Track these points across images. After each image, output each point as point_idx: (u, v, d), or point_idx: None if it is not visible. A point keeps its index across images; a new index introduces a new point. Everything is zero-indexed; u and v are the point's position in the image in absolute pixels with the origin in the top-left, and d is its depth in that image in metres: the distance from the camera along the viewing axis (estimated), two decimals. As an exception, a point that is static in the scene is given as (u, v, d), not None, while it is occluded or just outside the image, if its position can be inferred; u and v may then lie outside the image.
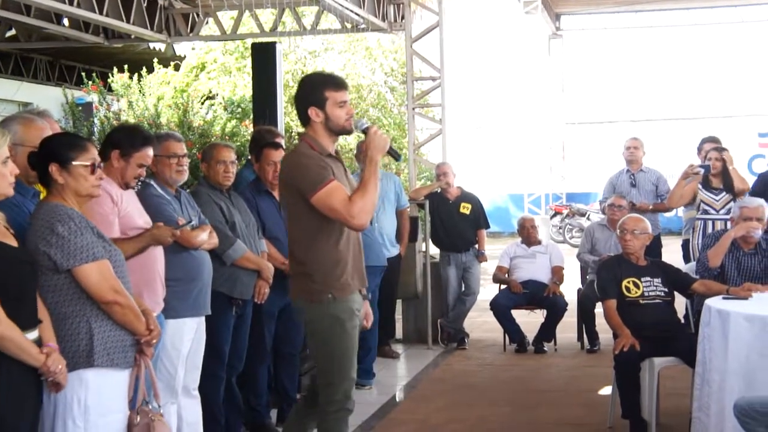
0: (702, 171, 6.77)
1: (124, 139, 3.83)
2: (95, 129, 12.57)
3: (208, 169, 4.79)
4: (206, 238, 4.26)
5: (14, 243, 2.89)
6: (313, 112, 3.67)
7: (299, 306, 3.77)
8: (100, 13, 9.58)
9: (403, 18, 11.20)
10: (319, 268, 3.64)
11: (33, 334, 2.89)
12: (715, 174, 6.72)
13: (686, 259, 7.02)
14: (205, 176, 4.84)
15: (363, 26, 11.28)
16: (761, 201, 5.42)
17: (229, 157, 4.78)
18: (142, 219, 3.84)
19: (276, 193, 5.21)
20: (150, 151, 3.87)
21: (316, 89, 3.69)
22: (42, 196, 3.28)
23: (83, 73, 13.67)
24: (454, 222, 7.97)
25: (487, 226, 8.21)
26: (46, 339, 2.94)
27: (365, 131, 3.70)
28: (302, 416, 3.99)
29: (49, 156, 3.14)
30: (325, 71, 3.95)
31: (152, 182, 4.22)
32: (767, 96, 20.52)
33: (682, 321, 5.58)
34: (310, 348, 3.78)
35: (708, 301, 4.73)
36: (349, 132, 3.80)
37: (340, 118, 3.68)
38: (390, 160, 16.76)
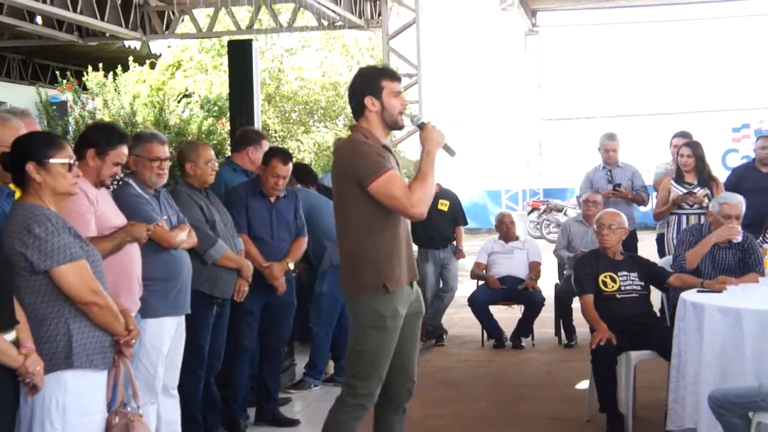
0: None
1: (100, 137, 3.80)
2: (70, 128, 12.48)
3: (194, 168, 4.75)
4: (185, 237, 4.25)
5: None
6: (369, 102, 3.68)
7: (349, 297, 3.75)
8: (74, 11, 9.51)
9: (380, 15, 11.21)
10: (374, 260, 3.60)
11: (10, 336, 2.87)
12: (688, 170, 6.76)
13: (661, 253, 7.08)
14: (184, 176, 4.80)
15: (340, 23, 11.29)
16: (740, 198, 5.41)
17: (213, 156, 4.81)
18: (117, 219, 3.82)
19: (272, 199, 5.26)
20: (125, 149, 3.85)
21: (372, 79, 3.71)
22: (16, 196, 3.26)
23: (57, 72, 13.56)
24: (432, 218, 7.96)
25: (465, 223, 8.24)
26: (23, 340, 2.92)
27: (421, 126, 3.73)
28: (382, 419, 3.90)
29: (26, 155, 3.11)
30: (379, 64, 3.96)
31: (131, 181, 4.20)
32: (740, 91, 20.76)
33: (658, 315, 5.64)
34: (349, 337, 3.78)
35: (683, 295, 4.78)
36: (400, 126, 3.82)
37: (395, 107, 3.70)
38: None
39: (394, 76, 3.76)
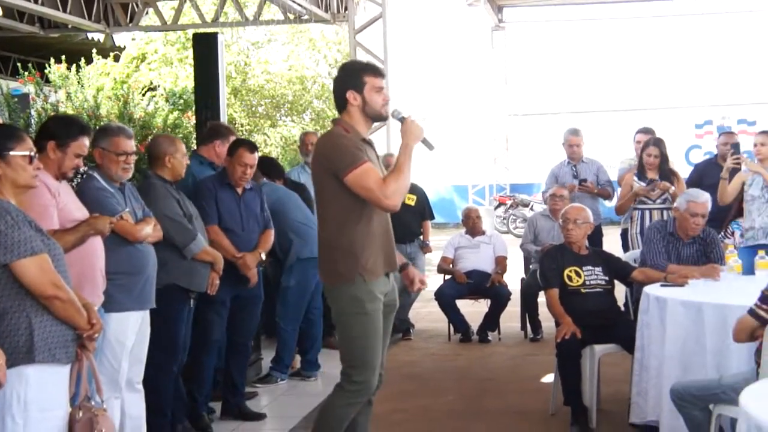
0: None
1: (60, 129, 3.76)
2: (32, 121, 12.28)
3: (172, 161, 4.70)
4: (150, 231, 4.21)
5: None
6: (351, 96, 3.74)
7: (326, 288, 3.82)
8: (35, 2, 9.38)
9: (346, 9, 11.19)
10: (348, 251, 3.67)
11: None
12: (651, 168, 6.83)
13: (625, 248, 7.15)
14: (157, 169, 4.74)
15: (306, 17, 11.25)
16: (707, 196, 5.44)
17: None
18: (79, 212, 3.77)
19: (239, 190, 5.26)
20: (86, 141, 3.81)
21: (355, 74, 3.78)
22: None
23: (19, 64, 13.33)
24: (399, 213, 7.83)
25: (432, 217, 8.27)
26: (-16, 335, 2.88)
27: (402, 120, 3.78)
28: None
29: (-15, 147, 3.07)
30: (363, 60, 4.00)
31: (96, 174, 4.14)
32: (704, 88, 21.05)
33: (622, 309, 5.70)
34: (336, 330, 3.85)
35: (646, 289, 4.84)
36: (384, 118, 3.89)
37: (377, 103, 3.76)
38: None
39: (377, 72, 3.82)
